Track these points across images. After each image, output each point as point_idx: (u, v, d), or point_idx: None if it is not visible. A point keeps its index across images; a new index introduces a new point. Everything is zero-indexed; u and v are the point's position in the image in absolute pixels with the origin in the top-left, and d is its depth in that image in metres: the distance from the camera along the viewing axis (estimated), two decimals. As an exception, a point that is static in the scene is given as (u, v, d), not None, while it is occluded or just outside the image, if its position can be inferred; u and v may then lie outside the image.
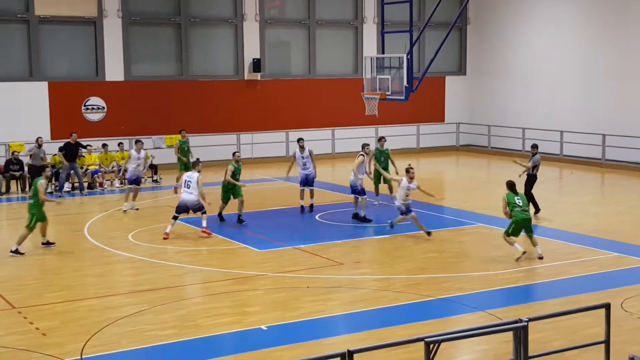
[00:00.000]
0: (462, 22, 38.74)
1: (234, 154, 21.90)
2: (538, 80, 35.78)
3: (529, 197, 21.28)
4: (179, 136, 27.54)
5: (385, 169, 23.09)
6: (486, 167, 33.73)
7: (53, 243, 18.80)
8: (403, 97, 23.88)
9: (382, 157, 23.49)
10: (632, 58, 31.62)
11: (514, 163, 22.64)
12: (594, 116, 33.06)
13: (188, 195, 19.78)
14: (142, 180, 24.81)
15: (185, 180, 19.98)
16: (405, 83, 23.57)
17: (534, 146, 22.51)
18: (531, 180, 22.06)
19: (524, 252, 17.00)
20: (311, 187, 22.94)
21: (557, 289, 15.33)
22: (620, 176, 29.72)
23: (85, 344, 12.10)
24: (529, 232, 17.22)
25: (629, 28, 31.74)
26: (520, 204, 17.16)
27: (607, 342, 9.47)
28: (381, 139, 24.10)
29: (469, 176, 31.41)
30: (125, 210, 23.08)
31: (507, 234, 17.15)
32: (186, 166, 25.95)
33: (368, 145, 22.27)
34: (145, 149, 24.75)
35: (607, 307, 9.46)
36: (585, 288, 15.15)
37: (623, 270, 16.40)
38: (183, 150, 27.02)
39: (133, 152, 24.04)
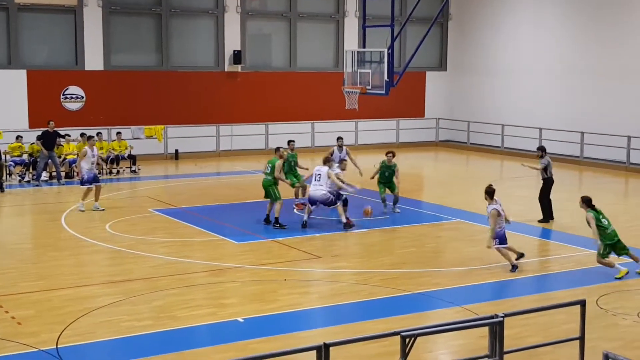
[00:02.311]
0: (444, 17, 38.78)
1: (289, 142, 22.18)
2: (518, 77, 35.91)
3: (545, 204, 20.65)
4: (158, 126, 27.24)
5: (390, 181, 21.75)
6: (465, 163, 33.84)
7: None
8: (383, 92, 23.93)
9: (387, 173, 21.66)
10: (612, 57, 31.78)
11: (522, 166, 22.39)
12: (573, 114, 33.22)
13: (316, 190, 19.44)
14: (100, 176, 22.59)
15: (315, 174, 19.58)
16: (385, 77, 23.61)
17: (541, 149, 21.20)
18: (547, 185, 20.85)
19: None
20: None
21: (533, 285, 15.43)
22: (597, 174, 29.88)
23: (60, 334, 12.05)
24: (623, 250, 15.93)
25: (610, 27, 31.88)
26: (606, 223, 15.86)
27: (581, 339, 9.53)
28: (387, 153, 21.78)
29: (447, 172, 31.50)
30: (82, 210, 21.49)
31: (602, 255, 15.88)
32: (297, 178, 22.01)
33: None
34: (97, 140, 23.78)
35: (582, 303, 9.51)
36: (560, 285, 15.24)
37: (599, 267, 16.47)
38: (290, 165, 21.77)
39: (87, 149, 22.01)
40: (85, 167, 21.80)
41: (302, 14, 35.70)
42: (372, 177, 21.79)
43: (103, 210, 21.59)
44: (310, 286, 15.03)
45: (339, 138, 23.36)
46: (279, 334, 12.27)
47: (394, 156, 21.71)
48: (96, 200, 21.93)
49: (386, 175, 21.64)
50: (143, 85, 32.49)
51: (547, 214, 20.82)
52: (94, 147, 22.52)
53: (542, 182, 21.14)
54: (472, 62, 38.24)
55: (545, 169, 20.83)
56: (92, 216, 21.24)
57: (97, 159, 22.46)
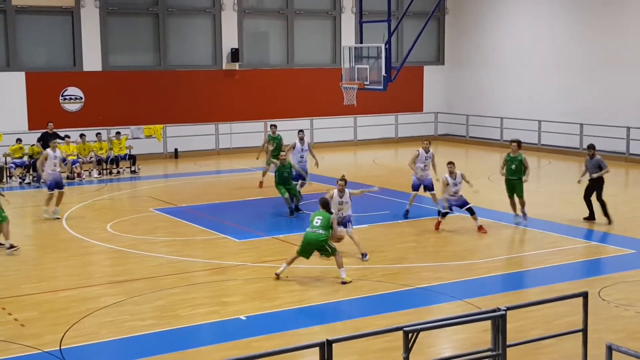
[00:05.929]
0: (440, 11, 38.76)
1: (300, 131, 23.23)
2: (516, 70, 35.89)
3: (601, 204, 19.37)
4: (158, 126, 27.18)
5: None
6: (464, 157, 33.81)
7: (15, 247, 17.35)
8: (381, 87, 23.94)
9: (514, 165, 19.86)
10: (610, 48, 31.75)
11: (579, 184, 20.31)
12: (572, 106, 33.20)
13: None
14: (64, 183, 21.77)
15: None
16: (383, 73, 23.62)
17: (591, 147, 19.83)
18: (594, 185, 19.56)
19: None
20: (303, 182, 22.34)
21: (535, 277, 15.42)
22: (598, 165, 29.84)
23: (64, 335, 12.07)
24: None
25: (607, 18, 31.86)
26: (318, 224, 14.86)
27: (584, 331, 9.53)
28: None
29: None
30: (46, 218, 20.67)
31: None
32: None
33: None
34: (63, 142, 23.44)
35: (584, 295, 9.51)
36: (563, 277, 15.25)
37: (601, 259, 16.52)
38: (278, 147, 23.74)
39: (49, 151, 21.01)
40: (47, 171, 20.87)
41: (299, 11, 35.68)
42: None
43: (58, 218, 20.59)
44: (311, 283, 15.03)
45: (300, 131, 23.47)
46: (281, 331, 12.30)
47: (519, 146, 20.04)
48: (57, 205, 21.00)
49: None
50: (141, 85, 32.48)
51: (604, 213, 19.60)
52: (56, 149, 21.33)
53: (592, 181, 19.71)
54: (470, 55, 38.23)
55: (599, 168, 19.59)
56: (92, 217, 21.25)
57: (59, 161, 21.15)
